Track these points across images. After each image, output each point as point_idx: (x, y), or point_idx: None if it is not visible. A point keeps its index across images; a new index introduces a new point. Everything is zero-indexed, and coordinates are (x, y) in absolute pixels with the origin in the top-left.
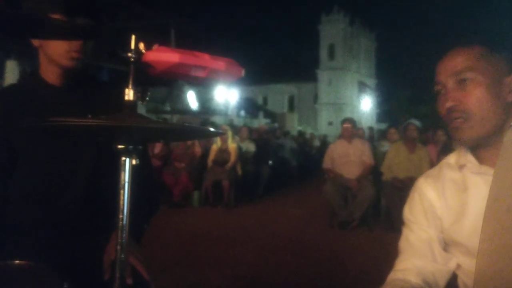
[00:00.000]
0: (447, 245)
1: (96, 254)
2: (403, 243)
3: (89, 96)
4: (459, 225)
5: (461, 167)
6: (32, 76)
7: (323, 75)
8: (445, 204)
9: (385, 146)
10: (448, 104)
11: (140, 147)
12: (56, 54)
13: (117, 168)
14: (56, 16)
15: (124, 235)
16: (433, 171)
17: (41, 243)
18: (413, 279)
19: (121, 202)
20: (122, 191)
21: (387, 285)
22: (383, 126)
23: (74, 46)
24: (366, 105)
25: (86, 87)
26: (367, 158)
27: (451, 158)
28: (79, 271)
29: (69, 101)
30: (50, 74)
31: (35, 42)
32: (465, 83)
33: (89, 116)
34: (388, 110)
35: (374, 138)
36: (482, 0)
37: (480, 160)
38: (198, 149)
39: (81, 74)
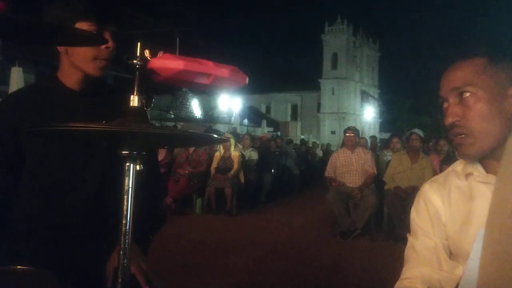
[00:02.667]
0: (451, 254)
1: (99, 260)
2: (409, 252)
3: (105, 102)
4: (464, 234)
5: (467, 175)
6: (50, 79)
7: (326, 85)
8: (450, 211)
9: (387, 155)
10: (449, 120)
11: (144, 153)
12: (83, 61)
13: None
14: (84, 23)
15: (127, 241)
16: (439, 178)
17: (46, 247)
18: (420, 287)
19: (125, 208)
20: (126, 196)
21: None
22: (386, 135)
23: (103, 54)
24: (369, 114)
25: (102, 93)
26: (370, 167)
27: (458, 166)
28: (82, 277)
29: (86, 105)
30: (70, 78)
31: (61, 48)
32: (465, 98)
33: (103, 121)
34: (391, 120)
35: (377, 148)
36: (486, 9)
37: (487, 169)
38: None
39: (99, 80)
